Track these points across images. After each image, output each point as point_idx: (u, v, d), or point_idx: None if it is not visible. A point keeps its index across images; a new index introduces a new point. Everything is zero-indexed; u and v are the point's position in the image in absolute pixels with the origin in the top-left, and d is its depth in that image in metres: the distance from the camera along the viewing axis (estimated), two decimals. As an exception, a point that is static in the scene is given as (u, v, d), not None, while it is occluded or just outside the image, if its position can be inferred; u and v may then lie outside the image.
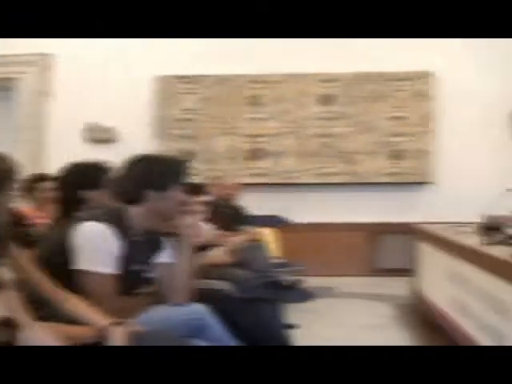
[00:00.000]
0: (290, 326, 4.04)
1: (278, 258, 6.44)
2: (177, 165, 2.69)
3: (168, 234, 2.72)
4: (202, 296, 2.77)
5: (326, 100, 7.80)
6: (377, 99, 7.74)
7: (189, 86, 7.86)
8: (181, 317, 2.56)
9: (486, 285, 3.47)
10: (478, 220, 4.68)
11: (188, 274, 2.74)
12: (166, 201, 2.61)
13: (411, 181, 7.71)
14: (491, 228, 4.38)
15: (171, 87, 7.85)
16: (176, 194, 2.63)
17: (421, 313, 5.22)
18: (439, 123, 7.68)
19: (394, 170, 7.71)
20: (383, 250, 7.79)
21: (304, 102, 7.83)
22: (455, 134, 7.63)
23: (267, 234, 6.59)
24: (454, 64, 7.61)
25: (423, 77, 7.65)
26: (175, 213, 2.66)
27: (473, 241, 4.06)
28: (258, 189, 7.65)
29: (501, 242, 3.81)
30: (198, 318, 2.59)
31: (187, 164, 2.73)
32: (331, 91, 7.79)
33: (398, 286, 6.52)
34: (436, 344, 4.26)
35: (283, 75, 7.79)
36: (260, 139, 7.85)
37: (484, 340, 3.42)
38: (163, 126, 7.85)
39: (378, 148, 7.73)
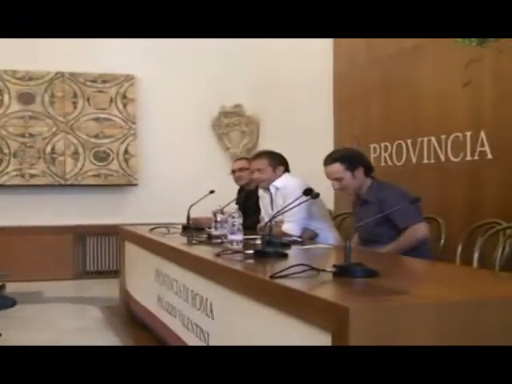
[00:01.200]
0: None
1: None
2: None
3: None
4: None
5: (27, 99, 7.44)
6: (80, 100, 7.58)
7: None
8: None
9: (190, 284, 3.57)
10: (183, 221, 4.84)
11: None
12: None
13: (117, 183, 7.70)
14: (195, 228, 4.55)
15: None
16: None
17: (129, 313, 5.24)
18: (144, 126, 7.78)
19: (99, 172, 7.62)
20: (91, 252, 7.67)
21: (2, 100, 7.38)
22: (160, 136, 7.79)
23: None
24: (159, 67, 7.76)
25: (127, 79, 7.67)
26: None
27: (177, 241, 4.16)
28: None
29: (204, 242, 3.96)
30: None
31: None
32: (32, 89, 7.45)
33: (106, 288, 6.49)
34: (144, 343, 4.30)
35: (-21, 71, 7.27)
36: (-46, 139, 7.25)
37: (190, 338, 3.52)
38: None
39: (82, 149, 7.58)
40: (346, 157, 3.93)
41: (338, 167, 3.88)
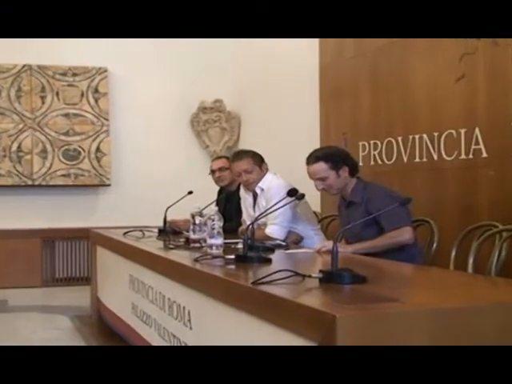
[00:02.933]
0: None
1: None
2: None
3: None
4: None
5: (-9, 93, 7.40)
6: (49, 94, 7.53)
7: None
8: None
9: (166, 291, 3.56)
10: (160, 224, 4.82)
11: None
12: None
13: (88, 183, 7.65)
14: (172, 232, 4.53)
15: None
16: None
17: (101, 323, 5.21)
18: (117, 122, 7.74)
19: (69, 172, 7.57)
20: (61, 257, 7.62)
21: (-35, 95, 7.34)
22: (135, 133, 7.76)
23: None
24: (133, 60, 7.74)
25: (99, 72, 7.64)
26: None
27: (153, 246, 4.14)
28: None
29: (181, 247, 3.94)
30: None
31: None
32: (-3, 83, 7.41)
33: (77, 297, 6.45)
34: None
35: None
36: None
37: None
38: None
39: (51, 147, 7.53)
40: (330, 155, 3.91)
41: (321, 166, 3.86)
